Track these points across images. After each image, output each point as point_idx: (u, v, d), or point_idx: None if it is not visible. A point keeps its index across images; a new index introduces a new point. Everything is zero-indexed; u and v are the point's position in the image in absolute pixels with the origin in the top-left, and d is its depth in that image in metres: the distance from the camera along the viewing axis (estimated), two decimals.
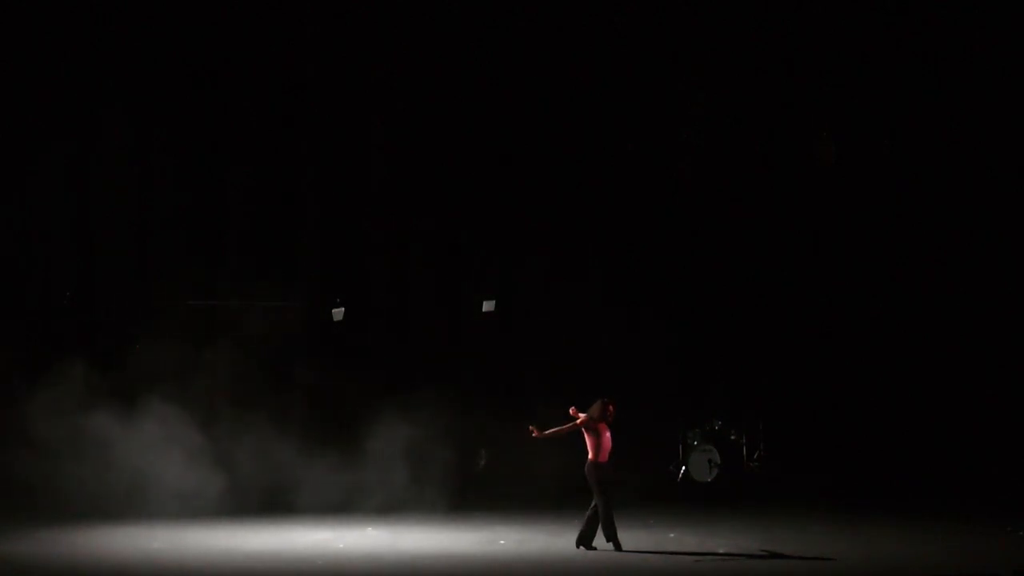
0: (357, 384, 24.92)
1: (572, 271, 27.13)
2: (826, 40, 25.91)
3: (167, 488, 22.28)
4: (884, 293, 26.94)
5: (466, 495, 23.72)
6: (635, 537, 18.27)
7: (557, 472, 22.49)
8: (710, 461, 26.19)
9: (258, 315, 26.01)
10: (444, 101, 26.54)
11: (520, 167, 27.01)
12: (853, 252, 27.08)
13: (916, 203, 26.57)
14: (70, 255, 25.80)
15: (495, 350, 27.10)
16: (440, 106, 26.55)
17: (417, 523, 21.14)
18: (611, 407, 17.69)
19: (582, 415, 17.71)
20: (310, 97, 26.44)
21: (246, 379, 24.72)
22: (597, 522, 17.65)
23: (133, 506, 22.03)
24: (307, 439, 23.67)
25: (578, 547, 17.71)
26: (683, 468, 26.48)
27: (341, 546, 18.76)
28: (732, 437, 26.64)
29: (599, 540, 17.64)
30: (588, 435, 17.68)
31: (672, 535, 19.29)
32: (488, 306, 26.93)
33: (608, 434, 17.67)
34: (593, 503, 17.67)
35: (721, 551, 17.74)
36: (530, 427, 17.89)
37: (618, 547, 17.54)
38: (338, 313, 26.55)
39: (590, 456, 17.66)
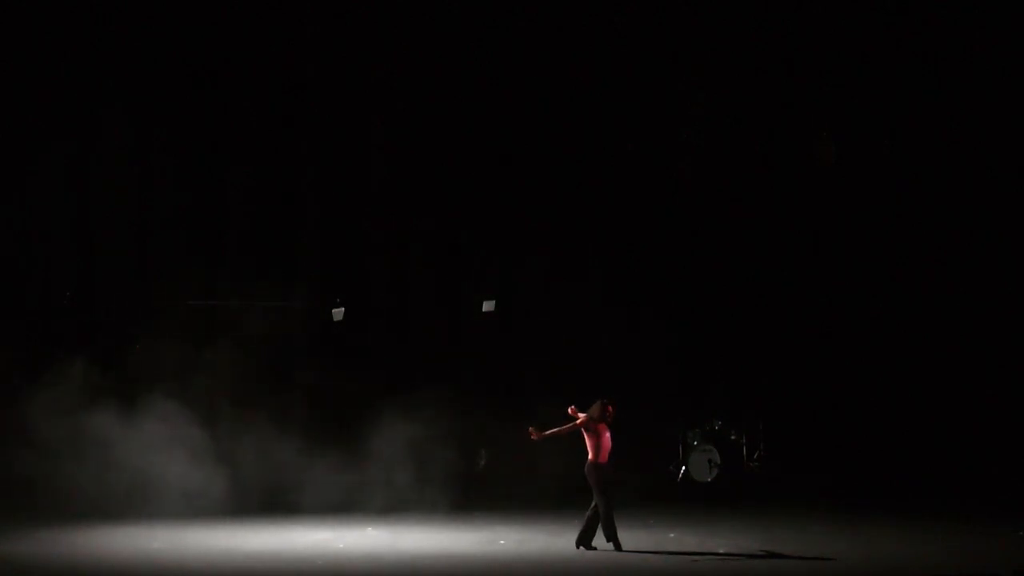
0: (357, 384, 24.93)
1: (572, 271, 27.13)
2: (826, 40, 25.92)
3: (167, 488, 22.27)
4: (884, 293, 26.95)
5: (466, 495, 23.71)
6: (635, 537, 18.27)
7: (557, 472, 22.48)
8: (710, 461, 26.20)
9: (258, 315, 26.01)
10: (444, 101, 26.54)
11: (520, 167, 27.01)
12: (853, 252, 27.09)
13: (916, 203, 26.58)
14: (70, 255, 25.80)
15: (495, 350, 27.10)
16: (440, 106, 26.56)
17: (417, 523, 21.13)
18: (611, 408, 17.69)
19: (581, 415, 17.71)
20: (310, 97, 26.45)
21: (246, 379, 24.72)
22: (597, 522, 17.65)
23: (133, 506, 22.02)
24: (307, 439, 23.67)
25: (578, 547, 17.72)
26: (683, 468, 26.48)
27: (341, 546, 18.76)
28: (732, 437, 26.64)
29: (599, 540, 17.64)
30: (588, 436, 17.68)
31: (672, 535, 19.29)
32: (488, 306, 26.93)
33: (608, 435, 17.67)
34: (593, 503, 17.67)
35: (721, 551, 17.74)
36: (530, 428, 17.88)
37: (618, 547, 17.54)
38: (338, 313, 26.55)
39: (590, 457, 17.66)
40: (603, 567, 16.73)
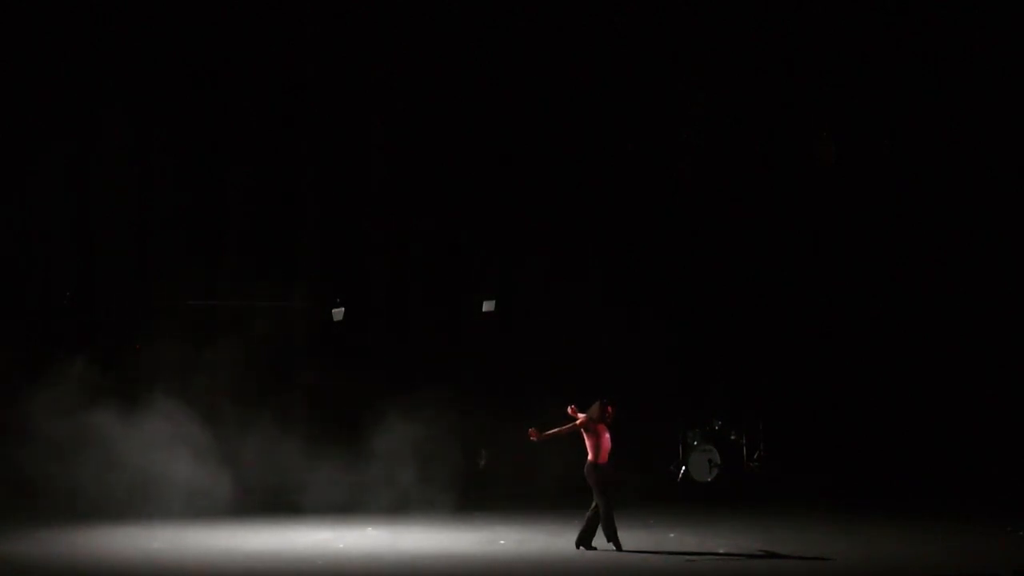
0: (357, 384, 24.94)
1: (572, 271, 27.13)
2: (826, 40, 25.91)
3: (167, 488, 22.27)
4: (884, 293, 26.95)
5: (467, 495, 23.71)
6: (635, 537, 18.27)
7: (557, 472, 22.49)
8: (710, 461, 26.20)
9: (258, 315, 26.02)
10: (444, 101, 26.54)
11: (520, 167, 27.01)
12: (853, 252, 27.08)
13: (916, 203, 26.57)
14: (70, 255, 25.81)
15: (495, 350, 27.10)
16: (440, 106, 26.56)
17: (417, 523, 21.13)
18: (610, 408, 17.69)
19: (581, 415, 17.70)
20: (310, 97, 26.45)
21: (246, 379, 24.74)
22: (597, 522, 17.65)
23: (133, 506, 22.02)
24: (307, 439, 23.67)
25: (578, 547, 17.72)
26: (683, 468, 26.48)
27: (341, 546, 18.76)
28: (732, 437, 26.64)
29: (599, 540, 17.64)
30: (587, 436, 17.68)
31: (672, 535, 19.29)
32: (488, 306, 26.93)
33: (607, 435, 17.66)
34: (594, 503, 17.67)
35: (721, 551, 17.74)
36: (529, 430, 17.87)
37: (618, 547, 17.54)
38: (338, 313, 26.56)
39: (590, 457, 17.66)
40: (603, 567, 16.73)
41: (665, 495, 25.05)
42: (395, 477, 23.22)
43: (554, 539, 18.85)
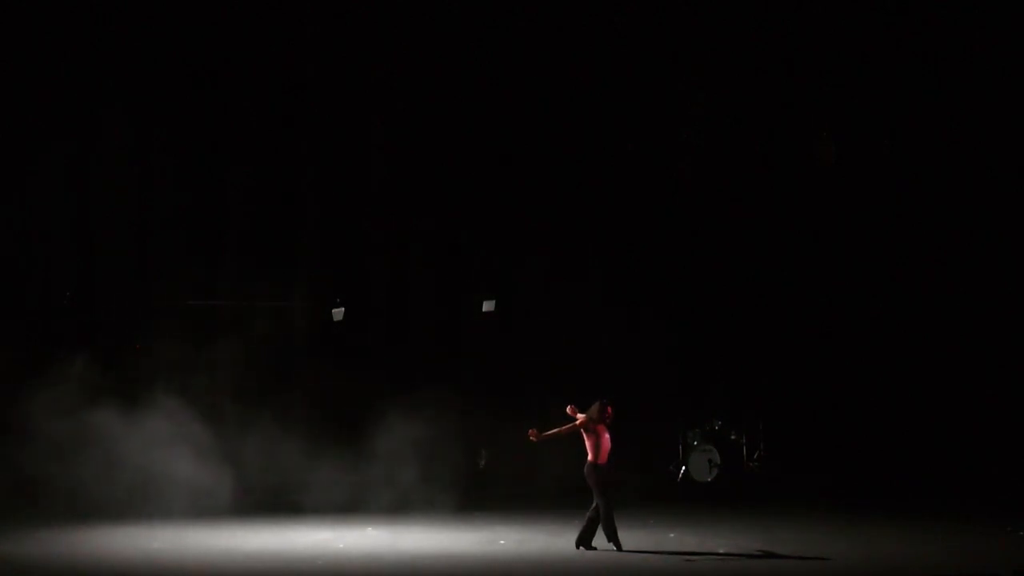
0: (357, 384, 24.94)
1: (572, 271, 27.13)
2: (826, 40, 25.90)
3: (167, 488, 22.27)
4: (884, 293, 26.95)
5: (467, 495, 23.71)
6: (635, 537, 18.27)
7: (557, 472, 22.49)
8: (710, 461, 26.20)
9: (258, 315, 26.02)
10: (444, 101, 26.54)
11: (520, 167, 27.01)
12: (853, 252, 27.09)
13: (916, 203, 26.57)
14: (70, 255, 25.81)
15: (495, 350, 27.10)
16: (440, 106, 26.56)
17: (418, 523, 21.13)
18: (610, 409, 17.68)
19: (580, 416, 17.70)
20: (310, 97, 26.45)
21: (246, 379, 24.74)
22: (597, 523, 17.65)
23: (133, 506, 22.02)
24: (307, 439, 23.67)
25: (578, 547, 17.71)
26: (683, 468, 26.48)
27: (341, 546, 18.76)
28: (732, 437, 26.64)
29: (599, 540, 17.64)
30: (587, 436, 17.67)
31: (672, 535, 19.29)
32: (488, 306, 26.93)
33: (607, 435, 17.66)
34: (594, 504, 17.67)
35: (721, 551, 17.74)
36: (529, 430, 17.86)
37: (618, 547, 17.54)
38: (338, 313, 26.56)
39: (589, 457, 17.66)
40: (603, 567, 16.73)
41: (665, 495, 25.05)
42: (395, 477, 23.23)
43: (554, 539, 18.85)
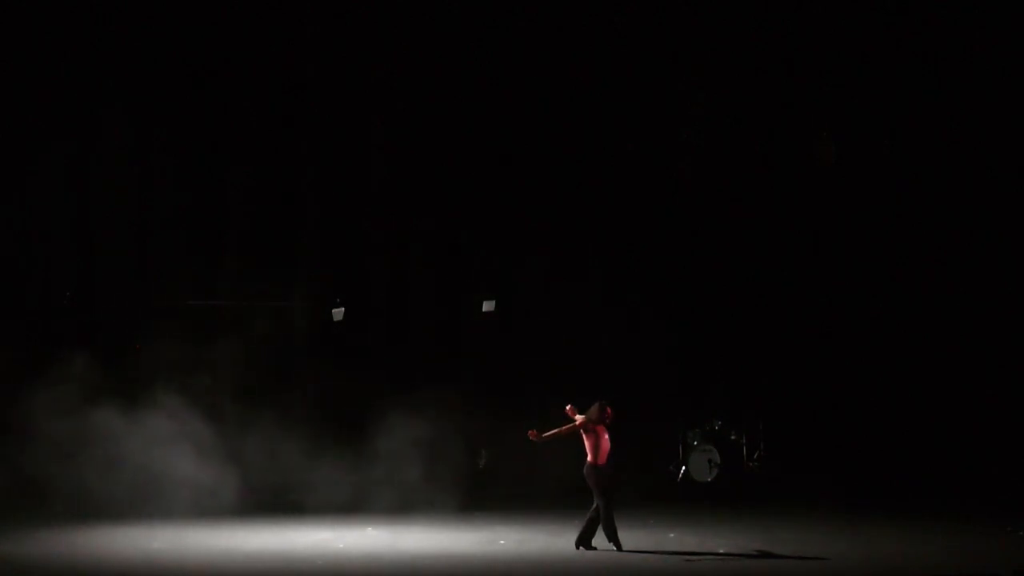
0: (357, 384, 24.94)
1: (572, 271, 27.13)
2: (826, 40, 25.90)
3: (167, 488, 22.28)
4: (884, 293, 26.94)
5: (467, 495, 23.70)
6: (635, 537, 18.27)
7: (557, 472, 22.49)
8: (710, 461, 26.19)
9: (258, 315, 26.02)
10: (444, 101, 26.54)
11: (520, 167, 27.00)
12: (853, 252, 27.08)
13: (916, 203, 26.57)
14: (70, 255, 25.82)
15: (495, 350, 27.10)
16: (440, 106, 26.56)
17: (418, 523, 21.13)
18: (609, 410, 17.68)
19: (579, 416, 17.70)
20: (310, 97, 26.45)
21: (246, 379, 24.73)
22: (597, 523, 17.65)
23: (133, 506, 22.03)
24: (307, 439, 23.67)
25: (578, 548, 17.72)
26: (683, 468, 26.47)
27: (341, 546, 18.76)
28: (732, 437, 26.64)
29: (599, 540, 17.64)
30: (586, 437, 17.67)
31: (672, 535, 19.29)
32: (488, 306, 26.93)
33: (606, 436, 17.66)
34: (595, 504, 17.67)
35: (721, 551, 17.74)
36: (529, 431, 17.86)
37: (618, 547, 17.54)
38: (338, 313, 26.56)
39: (589, 458, 17.66)
40: (603, 567, 16.73)
41: (665, 495, 25.05)
42: (395, 477, 23.23)
43: (554, 539, 18.85)
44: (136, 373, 24.56)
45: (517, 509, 22.73)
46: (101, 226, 25.84)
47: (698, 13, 26.00)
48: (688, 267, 27.53)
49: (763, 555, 17.40)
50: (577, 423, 17.66)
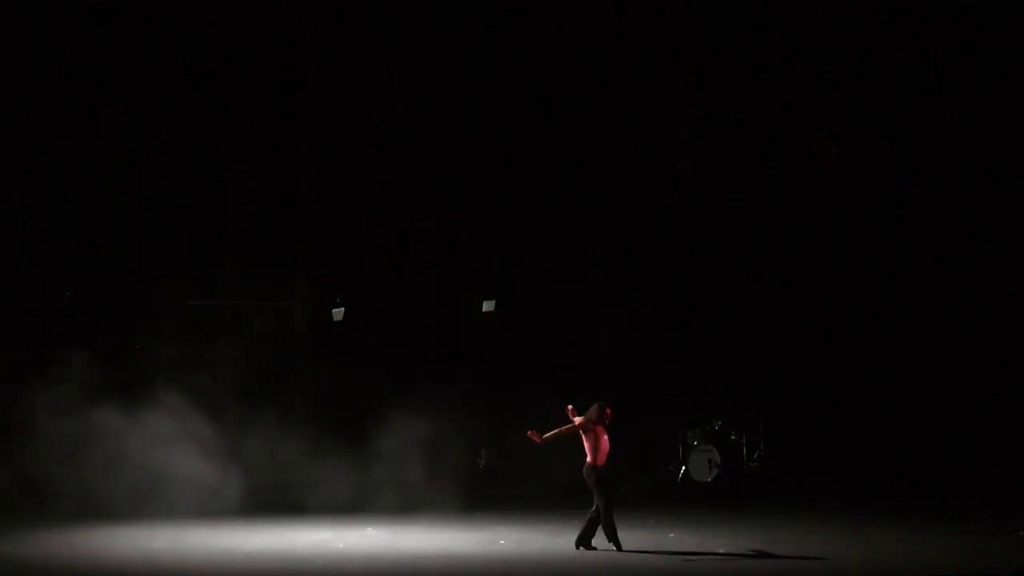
0: (357, 384, 24.94)
1: (572, 271, 27.13)
2: (826, 40, 25.90)
3: (167, 488, 22.27)
4: (884, 293, 26.94)
5: (467, 495, 23.69)
6: (635, 537, 18.27)
7: (557, 472, 22.48)
8: (710, 461, 26.19)
9: (258, 315, 26.02)
10: (444, 101, 26.54)
11: (520, 167, 27.01)
12: (853, 252, 27.08)
13: (916, 203, 26.57)
14: (70, 255, 25.82)
15: (495, 350, 27.10)
16: (440, 106, 26.56)
17: (418, 523, 21.13)
18: (608, 410, 17.68)
19: (579, 418, 17.69)
20: (310, 97, 26.45)
21: (246, 379, 24.73)
22: (597, 523, 17.65)
23: (133, 506, 22.02)
24: (307, 439, 23.67)
25: (578, 548, 17.71)
26: (683, 468, 26.47)
27: (341, 546, 18.76)
28: (732, 437, 26.63)
29: (599, 540, 17.64)
30: (586, 438, 17.67)
31: (672, 535, 19.29)
32: (488, 306, 26.93)
33: (606, 437, 17.65)
34: (595, 504, 17.66)
35: (721, 551, 17.74)
36: (529, 432, 17.86)
37: (618, 547, 17.54)
38: (338, 313, 26.57)
39: (588, 459, 17.65)
40: (603, 567, 16.74)
41: (665, 495, 25.05)
42: (395, 477, 23.23)
43: (554, 539, 18.85)
44: (136, 373, 24.55)
45: (517, 509, 22.73)
46: (101, 226, 25.85)
47: (698, 13, 26.00)
48: (688, 267, 27.53)
49: (763, 555, 17.40)
50: (576, 424, 17.65)
